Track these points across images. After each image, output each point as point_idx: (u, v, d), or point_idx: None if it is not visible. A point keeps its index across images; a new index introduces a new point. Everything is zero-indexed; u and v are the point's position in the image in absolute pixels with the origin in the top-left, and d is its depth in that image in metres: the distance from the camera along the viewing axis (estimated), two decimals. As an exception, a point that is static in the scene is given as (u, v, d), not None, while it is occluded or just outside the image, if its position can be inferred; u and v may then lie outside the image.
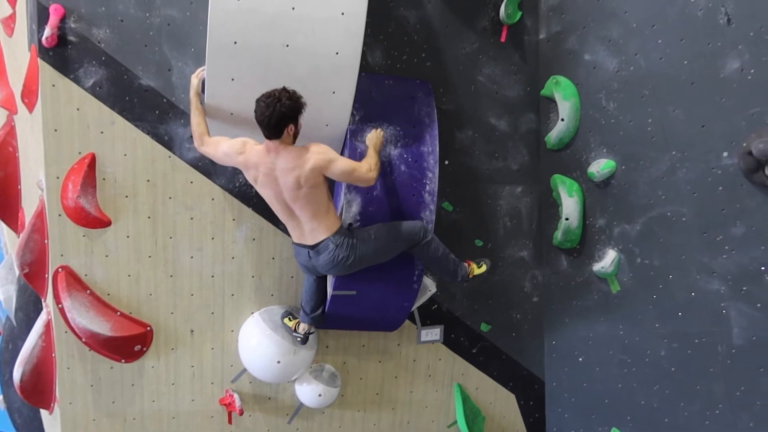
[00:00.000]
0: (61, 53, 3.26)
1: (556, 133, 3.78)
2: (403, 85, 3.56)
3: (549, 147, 3.88)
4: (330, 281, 3.45)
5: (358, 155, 3.23)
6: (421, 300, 3.93)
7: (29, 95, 3.39)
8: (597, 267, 3.84)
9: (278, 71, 3.00)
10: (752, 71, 3.03)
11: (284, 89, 2.85)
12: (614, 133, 3.63)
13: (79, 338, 3.56)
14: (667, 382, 3.69)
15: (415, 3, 3.54)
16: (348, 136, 3.31)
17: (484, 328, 4.15)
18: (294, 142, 3.00)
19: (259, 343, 3.66)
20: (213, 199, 3.59)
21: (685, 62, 3.28)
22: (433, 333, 4.09)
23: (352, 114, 3.32)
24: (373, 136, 3.22)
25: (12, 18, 3.68)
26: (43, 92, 3.28)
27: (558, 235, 3.93)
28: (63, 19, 3.20)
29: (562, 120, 3.72)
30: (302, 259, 3.25)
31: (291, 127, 2.90)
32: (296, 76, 3.03)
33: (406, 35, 3.58)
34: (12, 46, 3.83)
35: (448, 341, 4.13)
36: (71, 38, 3.25)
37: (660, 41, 3.35)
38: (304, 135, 3.08)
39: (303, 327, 3.57)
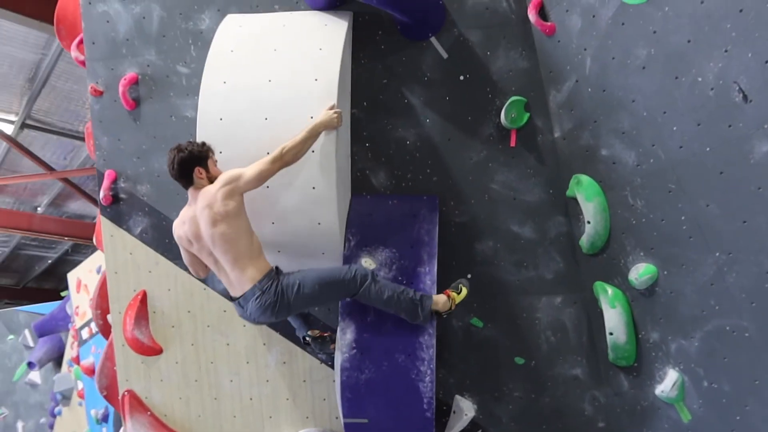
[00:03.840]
0: (116, 209, 3.88)
1: (586, 237, 3.37)
2: (406, 204, 3.52)
3: (584, 252, 3.46)
4: (339, 406, 3.40)
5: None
6: (458, 426, 3.65)
7: (99, 244, 4.05)
8: (659, 390, 3.23)
9: (265, 204, 3.19)
10: (784, 154, 2.46)
11: (188, 142, 2.94)
12: (648, 234, 3.13)
13: (144, 456, 3.95)
14: None
15: (413, 122, 3.54)
16: (343, 263, 3.34)
17: (542, 457, 3.66)
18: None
19: (291, 467, 3.70)
20: (244, 326, 3.83)
21: (708, 149, 2.78)
22: (481, 461, 3.72)
23: (348, 239, 3.37)
24: (324, 115, 2.93)
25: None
26: (105, 242, 3.91)
27: (609, 351, 3.40)
28: (115, 181, 3.84)
29: (588, 223, 3.32)
30: (239, 312, 3.02)
31: (199, 170, 2.89)
32: (281, 211, 3.20)
33: (407, 154, 3.58)
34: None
35: (501, 471, 3.72)
36: (122, 196, 3.86)
37: (675, 128, 2.88)
38: (304, 263, 3.22)
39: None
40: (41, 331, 13.56)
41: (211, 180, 2.94)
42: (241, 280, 2.90)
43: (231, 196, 2.82)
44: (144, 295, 3.90)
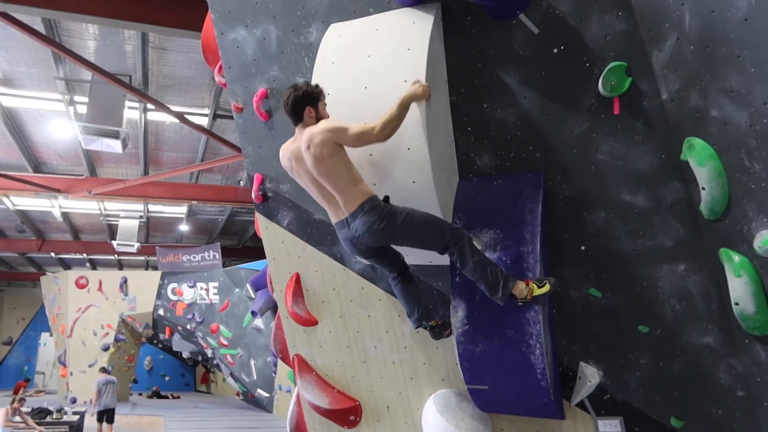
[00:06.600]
0: (267, 205, 4.53)
1: (703, 203, 3.16)
2: (510, 183, 3.60)
3: (706, 217, 3.24)
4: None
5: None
6: (584, 391, 3.75)
7: (259, 234, 4.78)
8: (797, 364, 3.01)
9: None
10: None
11: (304, 82, 3.36)
12: (769, 199, 2.86)
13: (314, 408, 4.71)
14: None
15: (510, 102, 3.56)
16: (450, 247, 3.57)
17: (676, 423, 3.61)
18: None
19: (430, 424, 4.13)
20: (380, 300, 4.29)
21: (825, 107, 2.46)
22: (612, 424, 3.78)
23: (454, 224, 3.59)
24: (410, 88, 3.18)
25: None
26: (262, 233, 4.62)
27: (739, 321, 3.21)
28: (263, 183, 4.48)
29: (704, 189, 3.11)
30: (343, 234, 3.31)
31: (309, 109, 3.26)
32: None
33: (508, 134, 3.62)
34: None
35: (634, 435, 3.75)
36: (269, 194, 4.49)
37: (787, 85, 2.58)
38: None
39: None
40: (256, 286, 15.74)
41: (318, 120, 3.30)
42: (349, 200, 3.20)
43: (328, 144, 3.14)
44: (297, 276, 4.55)
